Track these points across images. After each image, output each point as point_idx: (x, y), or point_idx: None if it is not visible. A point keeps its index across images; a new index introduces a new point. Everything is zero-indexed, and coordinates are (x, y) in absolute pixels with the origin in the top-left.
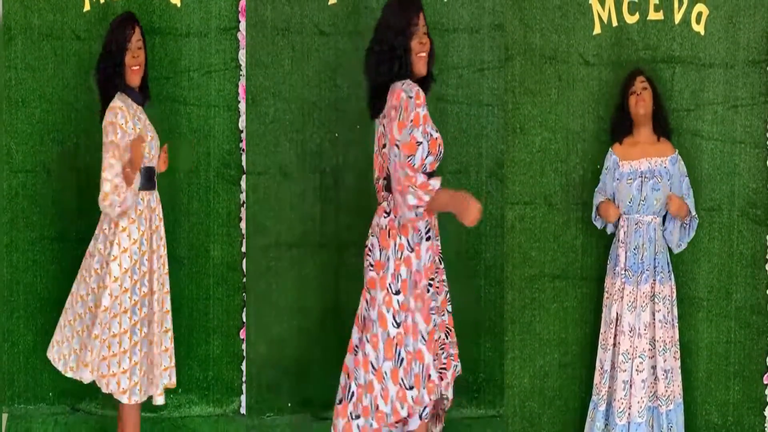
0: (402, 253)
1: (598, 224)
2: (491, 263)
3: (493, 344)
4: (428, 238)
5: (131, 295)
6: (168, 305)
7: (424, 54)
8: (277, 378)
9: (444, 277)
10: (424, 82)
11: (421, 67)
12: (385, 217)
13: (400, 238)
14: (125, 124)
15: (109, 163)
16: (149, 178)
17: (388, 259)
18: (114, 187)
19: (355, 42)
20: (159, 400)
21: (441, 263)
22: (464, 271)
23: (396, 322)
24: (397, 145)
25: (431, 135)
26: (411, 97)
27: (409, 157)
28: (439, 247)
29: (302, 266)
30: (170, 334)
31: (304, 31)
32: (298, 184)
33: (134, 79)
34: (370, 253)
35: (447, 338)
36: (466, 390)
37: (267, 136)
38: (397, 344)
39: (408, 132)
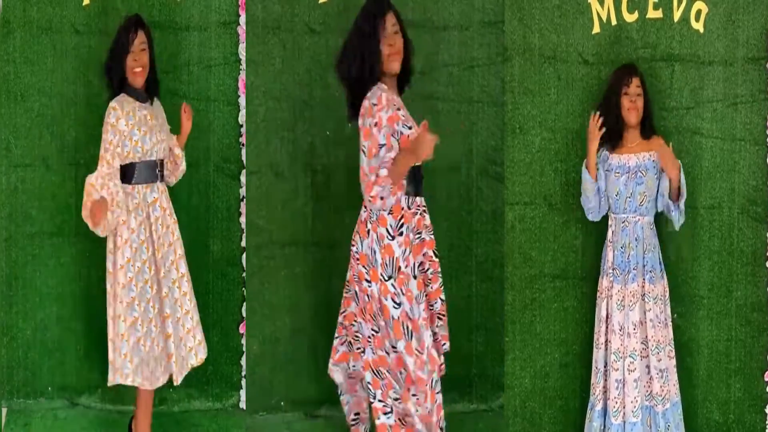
0: (383, 242)
1: (590, 203)
2: (483, 259)
3: (485, 339)
4: (400, 234)
5: (136, 282)
6: (186, 288)
7: (393, 55)
8: (270, 376)
9: (438, 269)
10: (403, 78)
11: (392, 68)
12: (363, 211)
13: (379, 228)
14: (117, 122)
15: (103, 161)
16: (144, 172)
17: (373, 251)
18: (91, 186)
19: None
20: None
21: (435, 257)
22: (456, 267)
23: (396, 303)
24: (363, 151)
25: (401, 133)
26: (374, 105)
27: (370, 160)
28: (432, 242)
29: (295, 264)
30: (192, 315)
31: (295, 29)
32: (289, 183)
33: (137, 80)
34: (354, 246)
35: (440, 321)
36: (459, 385)
37: (258, 135)
38: (403, 322)
39: (370, 136)
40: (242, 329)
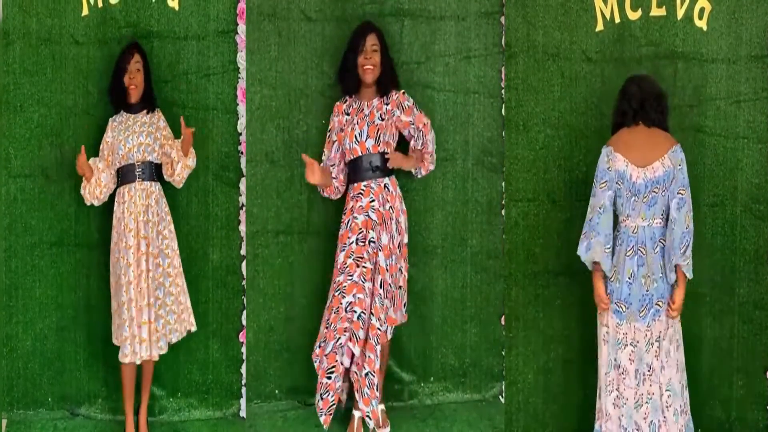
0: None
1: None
2: (478, 250)
3: (480, 330)
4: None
5: (116, 265)
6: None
7: (367, 67)
8: (265, 364)
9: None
10: (382, 86)
11: (366, 78)
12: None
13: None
14: (106, 136)
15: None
16: (125, 174)
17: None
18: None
19: (342, 28)
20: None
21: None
22: (451, 258)
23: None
24: None
25: (331, 137)
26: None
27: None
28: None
29: (289, 253)
30: (152, 308)
31: (291, 17)
32: (285, 171)
33: (133, 96)
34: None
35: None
36: (452, 375)
37: (253, 123)
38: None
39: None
40: (242, 338)
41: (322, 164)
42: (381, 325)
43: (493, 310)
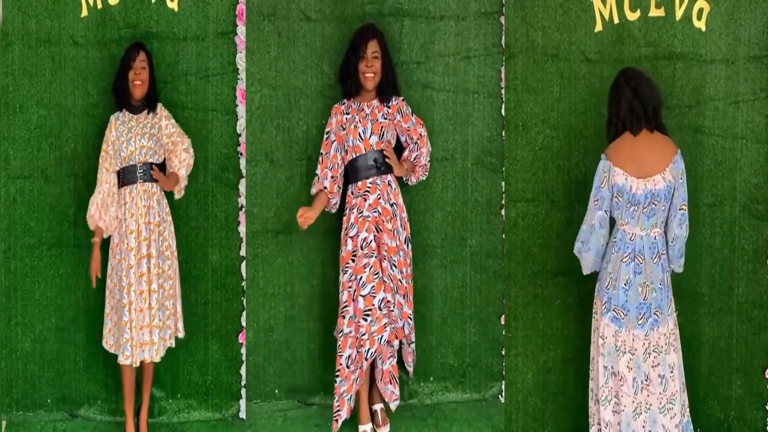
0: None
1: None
2: (477, 250)
3: (479, 329)
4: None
5: (113, 267)
6: (143, 287)
7: (368, 74)
8: (265, 364)
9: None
10: (384, 91)
11: (366, 85)
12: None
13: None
14: (109, 134)
15: (101, 167)
16: (126, 176)
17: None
18: (95, 208)
19: (342, 28)
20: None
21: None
22: (451, 258)
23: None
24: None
25: (329, 137)
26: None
27: (320, 154)
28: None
29: (289, 253)
30: (145, 314)
31: (291, 17)
32: (284, 171)
33: (136, 92)
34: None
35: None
36: (452, 374)
37: (253, 123)
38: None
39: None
40: (242, 339)
41: (317, 183)
42: (397, 322)
43: (493, 310)
